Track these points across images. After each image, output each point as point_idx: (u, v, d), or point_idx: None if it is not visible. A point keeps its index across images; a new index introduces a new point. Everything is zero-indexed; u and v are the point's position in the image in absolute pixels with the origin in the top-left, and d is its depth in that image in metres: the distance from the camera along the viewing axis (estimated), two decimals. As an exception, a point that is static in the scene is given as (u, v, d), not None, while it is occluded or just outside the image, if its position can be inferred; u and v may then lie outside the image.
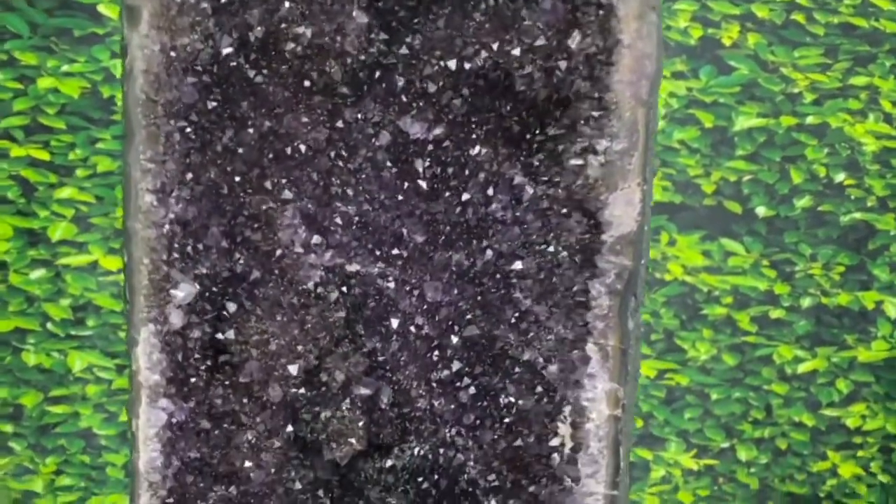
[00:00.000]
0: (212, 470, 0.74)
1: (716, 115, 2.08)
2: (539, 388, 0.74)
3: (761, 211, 2.14)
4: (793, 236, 2.16)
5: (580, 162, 0.71)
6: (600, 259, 0.73)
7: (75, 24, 1.89)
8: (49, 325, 1.96)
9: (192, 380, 0.74)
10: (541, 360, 0.74)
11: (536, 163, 0.72)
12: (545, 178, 0.72)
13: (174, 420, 0.75)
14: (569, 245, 0.73)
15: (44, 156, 1.91)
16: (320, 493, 0.74)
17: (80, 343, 1.98)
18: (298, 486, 0.73)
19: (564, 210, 0.72)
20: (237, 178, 0.73)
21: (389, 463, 0.74)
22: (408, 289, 0.72)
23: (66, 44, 1.91)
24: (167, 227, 0.74)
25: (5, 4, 1.87)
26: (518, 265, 0.73)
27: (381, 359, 0.73)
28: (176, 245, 0.74)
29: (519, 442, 0.74)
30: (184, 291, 0.74)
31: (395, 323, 0.73)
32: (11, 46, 1.88)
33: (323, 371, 0.73)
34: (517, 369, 0.74)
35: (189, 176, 0.74)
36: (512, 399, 0.74)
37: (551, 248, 0.73)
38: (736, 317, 2.17)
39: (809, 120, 2.08)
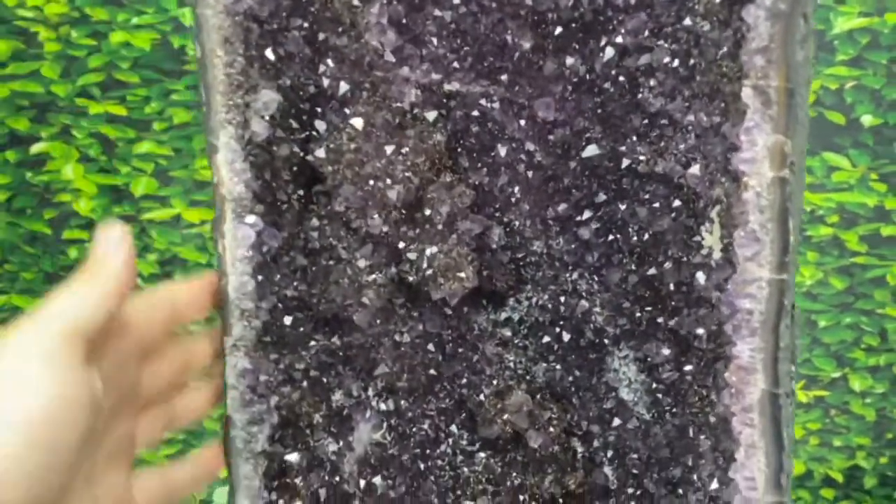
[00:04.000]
0: (312, 313, 0.67)
1: (811, 19, 1.93)
2: (677, 202, 0.63)
3: (867, 120, 1.98)
4: (904, 146, 2.00)
5: None
6: None
7: (141, -25, 1.89)
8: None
9: (284, 206, 0.66)
10: (678, 167, 0.62)
11: None
12: None
13: (265, 248, 0.66)
14: (709, 6, 0.62)
15: (121, 111, 1.92)
16: (430, 347, 0.66)
17: (169, 297, 2.00)
18: (407, 338, 0.66)
19: None
20: None
21: (504, 315, 0.66)
22: (515, 109, 0.62)
23: (133, -4, 1.90)
24: (241, 18, 0.64)
25: (73, -39, 1.88)
26: (645, 59, 0.61)
27: (488, 194, 0.64)
28: (253, 43, 0.64)
29: (653, 271, 0.64)
30: (265, 98, 0.65)
31: (502, 151, 0.63)
32: (81, 3, 1.89)
33: (425, 204, 0.64)
34: (649, 187, 0.62)
35: None
36: (643, 224, 0.63)
37: (687, 21, 0.61)
38: (843, 237, 2.02)
39: (918, 16, 1.90)
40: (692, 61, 0.62)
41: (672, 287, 0.64)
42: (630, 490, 0.65)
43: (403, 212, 0.64)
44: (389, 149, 0.63)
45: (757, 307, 0.62)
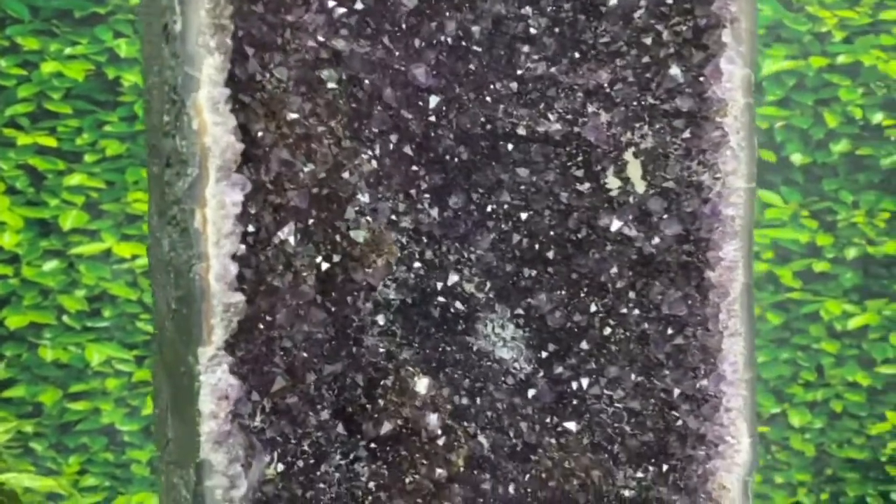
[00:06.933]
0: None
1: (741, 61, 1.99)
2: (562, 159, 0.65)
3: (797, 158, 2.04)
4: (832, 183, 2.06)
5: None
6: None
7: (76, 4, 1.86)
8: (65, 318, 1.91)
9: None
10: (559, 125, 0.65)
11: None
12: None
13: (252, 211, 0.55)
14: None
15: (51, 142, 1.87)
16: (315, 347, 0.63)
17: (97, 335, 1.92)
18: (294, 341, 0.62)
19: None
20: None
21: (376, 300, 0.64)
22: (392, 73, 0.62)
23: (67, 26, 1.87)
24: None
25: (5, -10, 1.84)
26: (521, 26, 0.64)
27: (373, 166, 0.63)
28: None
29: (536, 225, 0.65)
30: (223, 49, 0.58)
31: (379, 119, 0.62)
32: (12, 32, 1.84)
33: (342, 170, 0.61)
34: (531, 147, 0.65)
35: None
36: (524, 184, 0.65)
37: None
38: (777, 272, 2.06)
39: (840, 59, 1.98)
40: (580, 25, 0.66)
41: (560, 234, 0.66)
42: (506, 449, 0.64)
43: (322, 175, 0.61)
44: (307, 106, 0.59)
45: (738, 213, 0.70)
